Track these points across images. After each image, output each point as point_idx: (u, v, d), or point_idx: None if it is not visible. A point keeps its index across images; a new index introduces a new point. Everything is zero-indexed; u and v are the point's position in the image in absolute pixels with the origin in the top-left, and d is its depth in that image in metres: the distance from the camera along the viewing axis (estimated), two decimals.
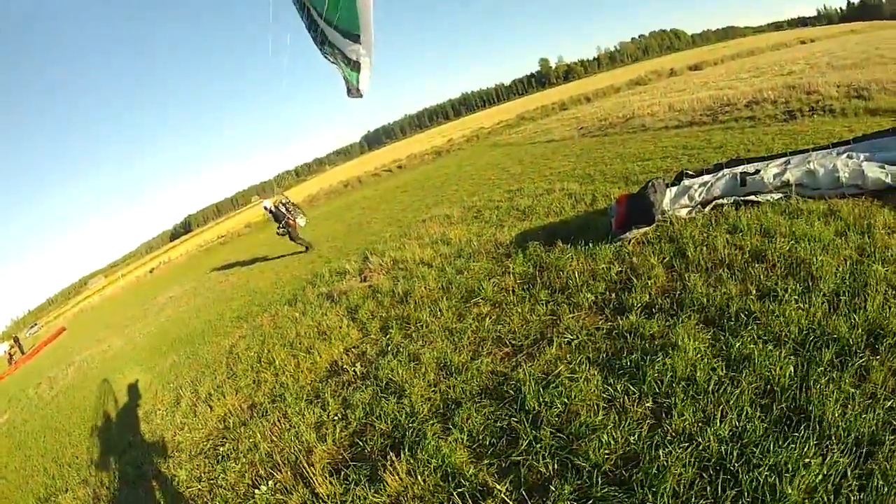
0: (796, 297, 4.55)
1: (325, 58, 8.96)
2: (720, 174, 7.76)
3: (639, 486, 3.27)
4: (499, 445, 4.12)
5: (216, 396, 7.57)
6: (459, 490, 3.80)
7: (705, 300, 4.93)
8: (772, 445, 3.19)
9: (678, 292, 5.29)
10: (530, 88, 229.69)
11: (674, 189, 7.83)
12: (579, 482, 3.50)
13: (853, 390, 3.42)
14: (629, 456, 3.55)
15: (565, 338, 5.15)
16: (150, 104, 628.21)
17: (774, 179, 7.14)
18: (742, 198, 7.19)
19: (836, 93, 14.29)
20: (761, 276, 5.07)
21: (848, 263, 4.88)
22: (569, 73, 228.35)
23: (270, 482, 4.86)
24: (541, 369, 4.77)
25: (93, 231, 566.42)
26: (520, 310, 6.15)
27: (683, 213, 7.41)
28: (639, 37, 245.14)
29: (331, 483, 4.45)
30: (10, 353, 30.61)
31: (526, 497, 3.58)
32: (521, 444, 3.97)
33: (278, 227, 17.69)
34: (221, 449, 6.03)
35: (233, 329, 11.23)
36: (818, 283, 4.64)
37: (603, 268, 6.38)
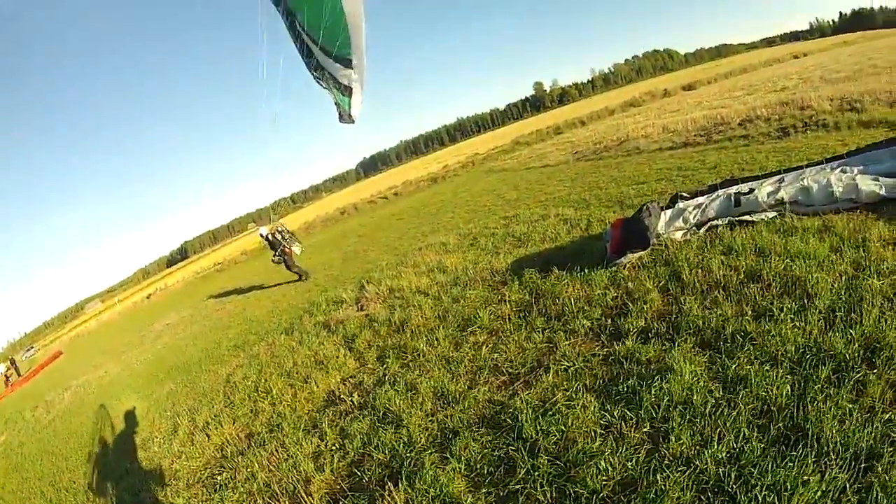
0: (792, 315, 4.66)
1: (318, 83, 9.16)
2: (714, 195, 7.93)
3: None
4: (496, 474, 4.17)
5: (214, 425, 7.64)
6: None
7: (701, 323, 5.03)
8: (770, 465, 3.26)
9: (674, 316, 5.39)
10: (525, 112, 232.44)
11: (668, 212, 7.98)
12: None
13: (850, 405, 3.50)
14: (627, 482, 3.61)
15: (562, 365, 5.23)
16: (149, 130, 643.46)
17: (769, 198, 7.30)
18: (737, 218, 7.33)
19: (830, 107, 14.58)
20: (756, 297, 5.18)
21: (843, 279, 5.00)
22: (563, 96, 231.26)
23: None
24: (538, 397, 4.84)
25: (90, 255, 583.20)
26: (516, 338, 6.24)
27: (678, 235, 7.54)
28: (632, 58, 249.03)
29: None
30: (6, 376, 31.17)
31: None
32: (519, 473, 4.02)
33: (274, 255, 17.98)
34: (219, 478, 6.08)
35: (230, 358, 11.36)
36: (814, 301, 4.76)
37: (599, 293, 6.49)
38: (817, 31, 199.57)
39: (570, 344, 5.60)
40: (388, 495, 4.29)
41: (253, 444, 6.49)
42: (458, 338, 6.96)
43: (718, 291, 5.55)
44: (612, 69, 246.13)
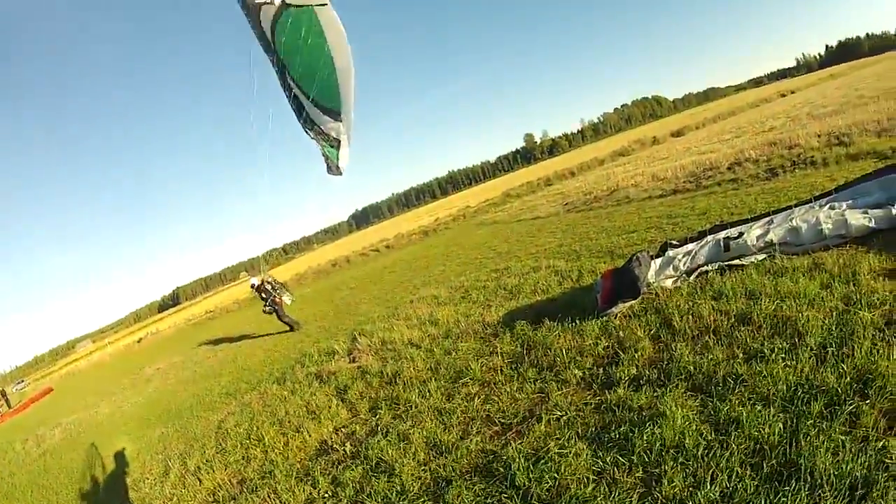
0: (783, 354, 4.84)
1: (307, 133, 9.47)
2: (704, 241, 8.19)
3: None
4: None
5: (205, 470, 7.74)
6: None
7: (692, 368, 5.19)
8: (763, 501, 3.38)
9: (665, 362, 5.56)
10: (515, 164, 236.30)
11: (658, 260, 8.20)
12: None
13: (843, 437, 3.65)
14: None
15: (554, 414, 5.35)
16: (149, 179, 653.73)
17: (758, 241, 7.58)
18: (727, 263, 7.58)
19: (817, 143, 15.17)
20: (747, 339, 5.37)
21: (834, 315, 5.23)
22: (553, 148, 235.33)
23: None
24: (530, 446, 4.95)
25: (83, 295, 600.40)
26: (508, 388, 6.37)
27: (669, 283, 7.74)
28: (621, 106, 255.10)
29: None
30: None
31: None
32: None
33: (264, 306, 18.41)
34: None
35: (221, 405, 11.54)
36: (804, 339, 4.95)
37: (590, 343, 6.66)
38: (804, 66, 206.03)
39: (562, 394, 5.73)
40: None
41: (245, 490, 6.58)
42: (450, 389, 7.09)
43: (709, 336, 5.74)
44: (602, 118, 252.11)
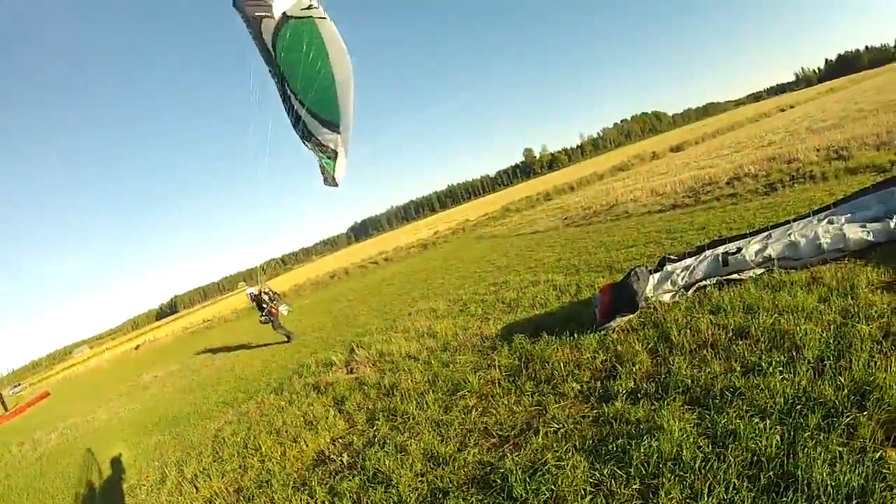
0: (781, 368, 4.87)
1: (304, 144, 9.54)
2: (702, 256, 8.23)
3: None
4: None
5: (202, 478, 7.75)
6: None
7: (690, 381, 5.22)
8: None
9: (663, 376, 5.58)
10: (515, 179, 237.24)
11: (657, 275, 8.24)
12: None
13: (841, 448, 3.68)
14: None
15: (551, 427, 5.37)
16: (149, 188, 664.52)
17: (756, 256, 7.62)
18: (725, 277, 7.63)
19: (816, 157, 15.26)
20: (745, 353, 5.40)
21: (832, 328, 5.27)
22: (553, 162, 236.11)
23: None
24: (528, 458, 4.96)
25: (82, 301, 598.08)
26: (506, 401, 6.38)
27: (667, 297, 7.78)
28: (621, 122, 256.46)
29: None
30: None
31: None
32: None
33: (261, 316, 18.57)
34: None
35: (218, 413, 11.56)
36: (802, 352, 4.99)
37: (588, 357, 6.68)
38: (803, 80, 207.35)
39: (559, 406, 5.74)
40: None
41: (242, 499, 6.61)
42: (447, 402, 7.10)
43: (707, 350, 5.77)
44: (601, 134, 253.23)
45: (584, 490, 4.21)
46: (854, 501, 3.26)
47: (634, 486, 4.04)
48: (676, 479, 3.93)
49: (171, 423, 12.46)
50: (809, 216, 8.40)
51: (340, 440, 7.29)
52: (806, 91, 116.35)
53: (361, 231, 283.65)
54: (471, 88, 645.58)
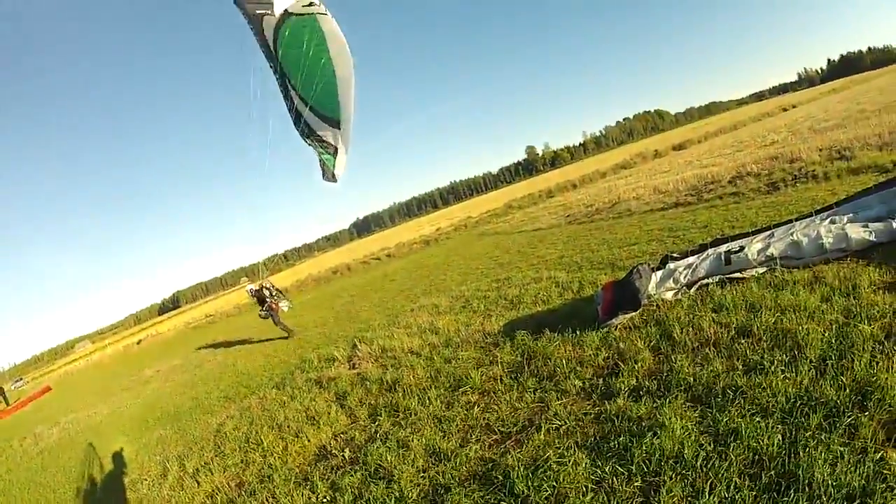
0: (783, 367, 4.86)
1: (304, 140, 9.54)
2: (704, 254, 8.21)
3: None
4: None
5: (204, 472, 7.76)
6: None
7: (692, 380, 5.21)
8: None
9: (665, 374, 5.58)
10: (517, 176, 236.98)
11: (659, 273, 8.22)
12: None
13: (842, 448, 3.67)
14: None
15: (553, 424, 5.37)
16: (152, 184, 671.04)
17: (759, 255, 7.60)
18: (727, 276, 7.60)
19: (819, 157, 15.21)
20: (747, 351, 5.39)
21: (834, 327, 5.26)
22: (555, 160, 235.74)
23: None
24: (529, 455, 4.96)
25: (84, 296, 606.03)
26: (508, 398, 6.38)
27: (669, 295, 7.77)
28: (624, 120, 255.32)
29: None
30: None
31: None
32: None
33: (261, 310, 18.68)
34: None
35: (220, 408, 11.59)
36: (804, 351, 4.98)
37: (590, 354, 6.68)
38: (806, 80, 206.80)
39: (561, 403, 5.74)
40: None
41: (243, 494, 6.61)
42: (449, 398, 7.10)
43: (709, 348, 5.77)
44: (604, 132, 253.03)
45: (586, 487, 4.21)
46: (855, 502, 3.25)
47: (636, 484, 4.04)
48: (678, 476, 3.93)
49: (173, 417, 12.49)
50: (812, 215, 8.38)
51: (342, 435, 7.28)
52: (808, 91, 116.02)
53: (364, 227, 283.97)
54: (473, 86, 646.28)
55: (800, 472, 3.55)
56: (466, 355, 8.45)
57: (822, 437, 3.81)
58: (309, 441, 7.41)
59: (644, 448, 4.32)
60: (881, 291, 5.71)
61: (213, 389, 14.13)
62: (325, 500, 5.68)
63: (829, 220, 7.91)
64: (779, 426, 4.07)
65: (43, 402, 31.71)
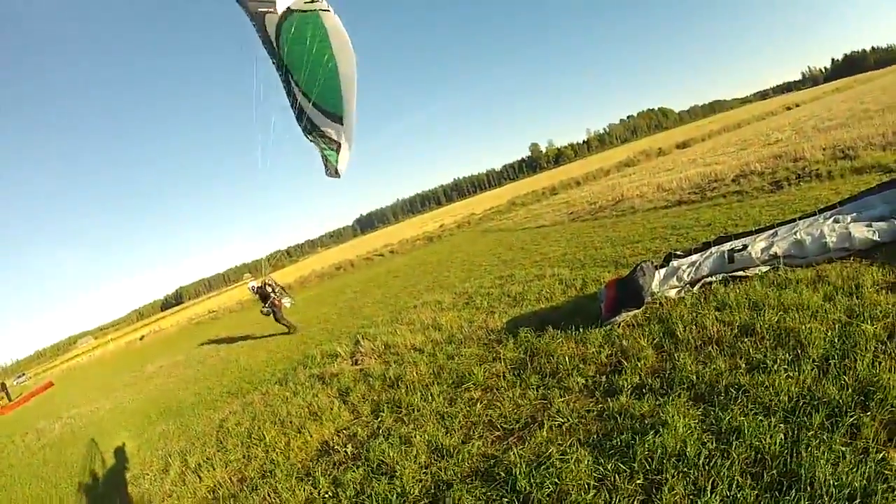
0: (785, 366, 4.85)
1: (306, 136, 9.55)
2: (708, 253, 8.20)
3: None
4: None
5: (206, 468, 7.78)
6: None
7: (695, 377, 5.21)
8: None
9: (668, 372, 5.57)
10: (521, 173, 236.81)
11: (662, 271, 8.22)
12: None
13: (844, 448, 3.67)
14: None
15: (556, 421, 5.37)
16: (155, 180, 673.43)
17: (762, 254, 7.58)
18: (730, 274, 7.59)
19: (822, 156, 15.17)
20: (750, 350, 5.38)
21: (837, 327, 5.25)
22: (559, 157, 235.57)
23: None
24: (532, 451, 4.96)
25: (86, 292, 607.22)
26: (511, 394, 6.37)
27: (672, 293, 7.76)
28: (627, 118, 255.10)
29: None
30: None
31: None
32: None
33: (263, 307, 18.63)
34: None
35: (223, 404, 11.61)
36: (807, 350, 4.97)
37: (593, 351, 6.67)
38: (810, 80, 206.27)
39: (564, 400, 5.74)
40: None
41: (245, 489, 6.61)
42: (452, 394, 7.10)
43: (712, 346, 5.75)
44: (608, 129, 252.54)
45: (588, 484, 4.21)
46: (856, 502, 3.25)
47: (638, 481, 4.04)
48: (680, 474, 3.93)
49: (176, 413, 12.52)
50: (815, 214, 8.37)
51: (345, 431, 7.29)
52: (812, 90, 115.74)
53: (367, 223, 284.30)
54: (477, 83, 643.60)
55: (801, 471, 3.55)
56: (469, 352, 8.44)
57: (824, 437, 3.80)
58: (311, 437, 7.42)
59: (646, 446, 4.32)
60: (884, 291, 5.69)
61: (215, 385, 14.17)
62: (327, 496, 5.68)
63: (832, 219, 7.90)
64: (781, 425, 4.06)
65: (45, 397, 31.90)
